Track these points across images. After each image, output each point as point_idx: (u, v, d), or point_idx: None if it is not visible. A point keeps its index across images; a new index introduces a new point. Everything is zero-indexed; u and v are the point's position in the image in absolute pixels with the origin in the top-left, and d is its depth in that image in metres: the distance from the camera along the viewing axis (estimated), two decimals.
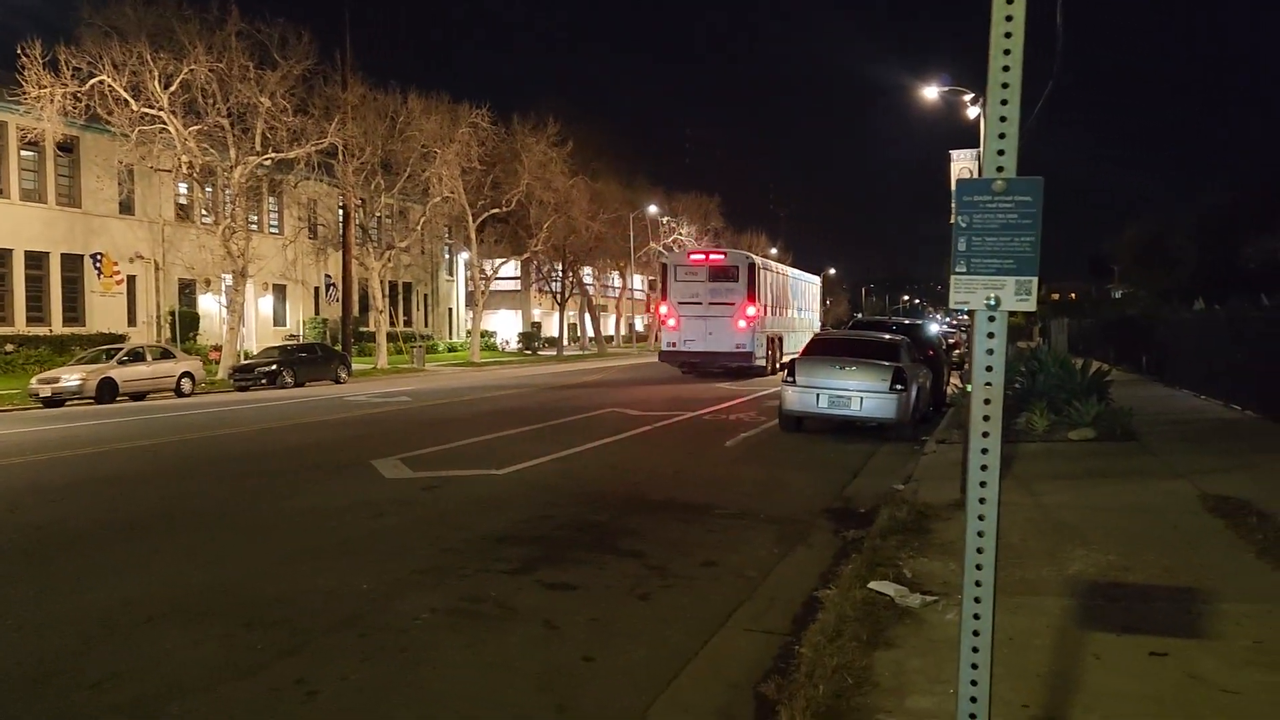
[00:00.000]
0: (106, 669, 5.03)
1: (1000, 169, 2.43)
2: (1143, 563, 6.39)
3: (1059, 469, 10.55)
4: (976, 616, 2.45)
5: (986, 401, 2.45)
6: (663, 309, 31.61)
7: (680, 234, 68.86)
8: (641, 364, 43.79)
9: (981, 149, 2.61)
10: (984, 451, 2.41)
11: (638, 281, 77.82)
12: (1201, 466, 10.16)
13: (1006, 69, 2.34)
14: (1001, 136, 2.38)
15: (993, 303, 2.46)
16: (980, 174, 2.50)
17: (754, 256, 33.38)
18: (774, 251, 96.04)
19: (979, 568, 2.39)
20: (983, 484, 2.39)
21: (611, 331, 73.83)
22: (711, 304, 30.08)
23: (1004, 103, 2.36)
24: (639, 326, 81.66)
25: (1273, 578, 5.93)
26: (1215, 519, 7.63)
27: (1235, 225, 45.64)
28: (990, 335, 2.46)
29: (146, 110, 29.06)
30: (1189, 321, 20.43)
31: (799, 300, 38.95)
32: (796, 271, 42.09)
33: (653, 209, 65.46)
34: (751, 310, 30.07)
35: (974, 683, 2.48)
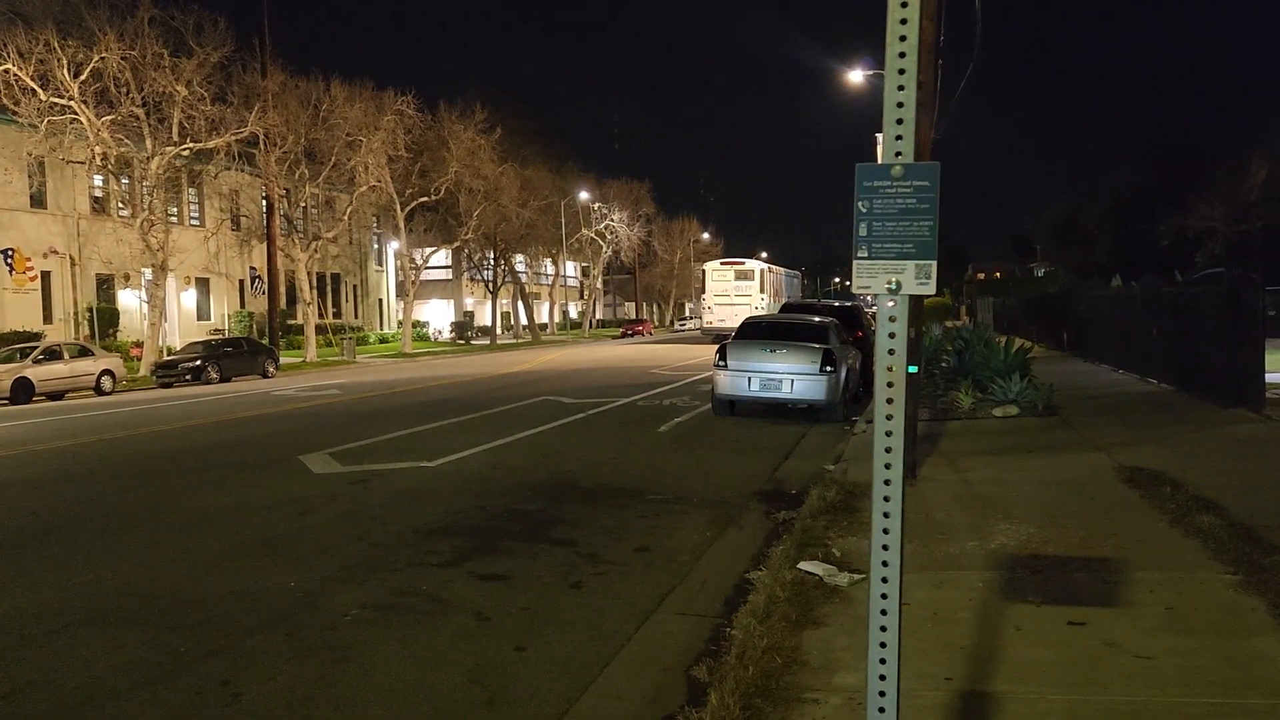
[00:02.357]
0: (21, 678, 4.87)
1: (898, 154, 2.45)
2: (1062, 534, 6.57)
3: (984, 445, 10.80)
4: (884, 597, 2.49)
5: (890, 385, 2.48)
6: (704, 299, 49.07)
7: (611, 220, 68.78)
8: (576, 352, 43.74)
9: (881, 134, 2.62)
10: (888, 434, 2.44)
11: (570, 269, 77.58)
12: (1119, 439, 10.49)
13: (903, 55, 2.35)
14: (899, 122, 2.40)
15: (894, 287, 2.49)
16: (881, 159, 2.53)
17: (762, 264, 51.52)
18: (705, 236, 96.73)
19: (885, 548, 2.42)
20: (887, 465, 2.43)
21: (545, 319, 73.49)
22: (735, 296, 45.98)
23: (900, 88, 2.37)
24: (573, 313, 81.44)
25: (1184, 545, 6.15)
26: (1131, 490, 7.88)
27: (1148, 203, 47.12)
28: (892, 319, 2.49)
29: (56, 100, 27.98)
30: (1106, 299, 21.06)
31: (789, 290, 56.75)
32: (787, 270, 61.29)
33: (584, 195, 65.25)
34: (761, 299, 45.44)
35: (883, 661, 2.52)
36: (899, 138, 2.42)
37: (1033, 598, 5.25)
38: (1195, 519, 6.58)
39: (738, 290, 46.46)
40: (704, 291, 49.49)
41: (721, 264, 50.56)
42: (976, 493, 8.15)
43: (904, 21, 2.35)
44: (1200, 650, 4.41)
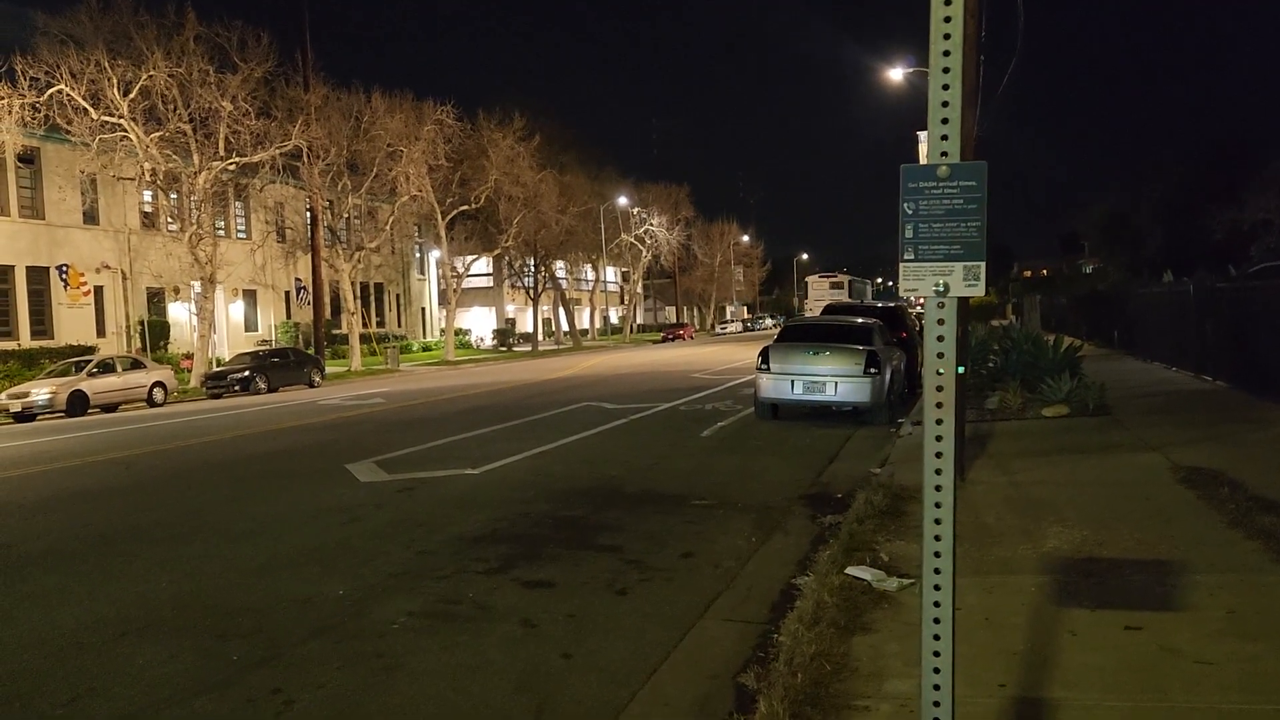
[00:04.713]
0: (80, 687, 4.96)
1: (944, 154, 2.39)
2: (1117, 537, 6.43)
3: (1033, 446, 10.61)
4: (937, 605, 2.44)
5: (939, 389, 2.43)
6: (806, 303, 62.51)
7: (651, 225, 68.81)
8: (617, 357, 43.77)
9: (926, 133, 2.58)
10: (938, 439, 2.39)
11: (610, 274, 77.75)
12: (1173, 439, 10.25)
13: (947, 54, 2.30)
14: (944, 122, 2.35)
15: (941, 289, 2.44)
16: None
17: (847, 276, 69.81)
18: (745, 239, 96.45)
19: (937, 555, 2.37)
20: (938, 471, 2.38)
21: (586, 325, 73.69)
22: (831, 301, 50.88)
23: (945, 87, 2.33)
24: (614, 319, 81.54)
25: (1244, 547, 5.98)
26: (1187, 490, 7.70)
27: (1199, 198, 46.16)
28: (940, 321, 2.43)
29: (106, 118, 28.66)
30: (1158, 295, 20.62)
31: (865, 294, 74.71)
32: (864, 279, 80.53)
33: (622, 200, 65.35)
34: (848, 301, 52.75)
35: (936, 670, 2.47)
36: (944, 137, 2.37)
37: (1087, 602, 5.14)
38: (1256, 520, 6.41)
39: (832, 295, 61.37)
40: (806, 298, 72.81)
41: (819, 277, 72.73)
42: (1027, 495, 8.01)
43: (948, 19, 2.30)
44: (1265, 655, 4.28)
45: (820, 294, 65.34)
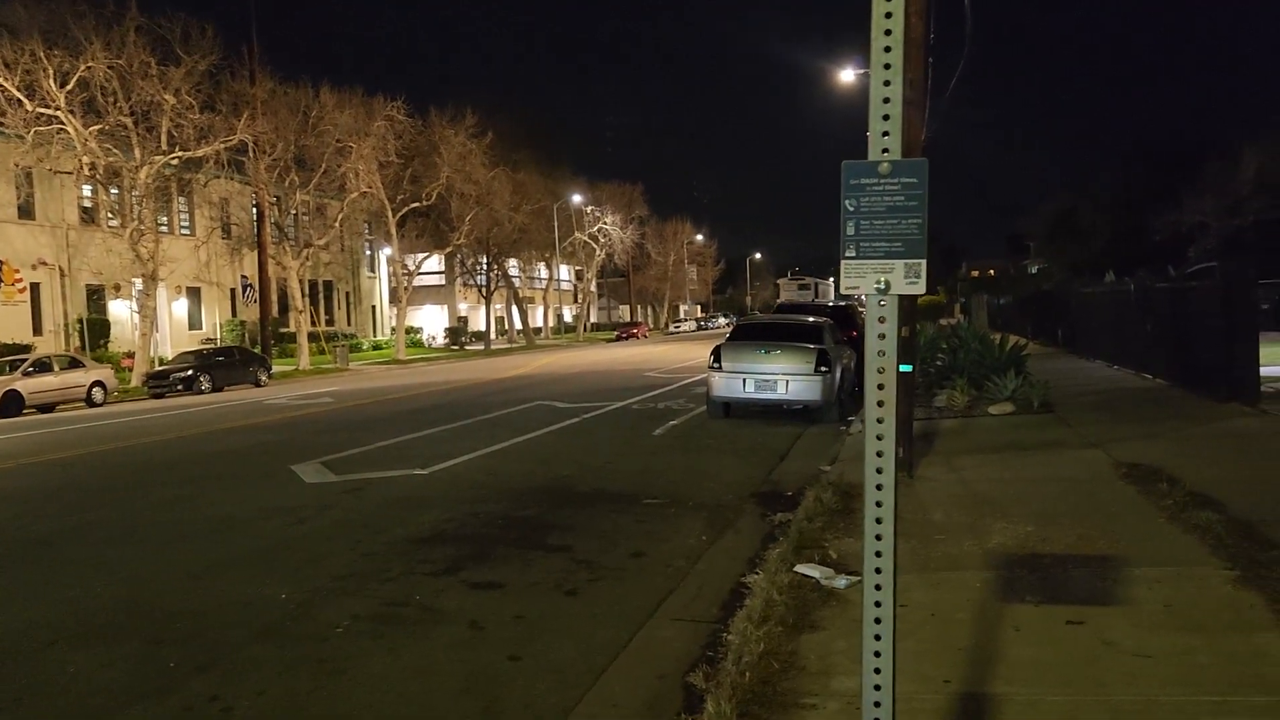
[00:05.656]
0: (9, 695, 4.80)
1: (885, 150, 2.39)
2: (1060, 532, 6.53)
3: (980, 443, 10.75)
4: (878, 605, 2.44)
5: (880, 387, 2.42)
6: (779, 303, 66.77)
7: (605, 223, 68.73)
8: (571, 356, 43.67)
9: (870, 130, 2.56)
10: (879, 438, 2.39)
11: (564, 272, 77.54)
12: (1115, 435, 10.46)
13: (888, 50, 2.30)
14: (885, 119, 2.34)
15: (883, 286, 2.43)
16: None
17: (815, 279, 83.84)
18: (699, 238, 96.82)
19: (878, 555, 2.37)
20: (879, 470, 2.37)
21: (540, 323, 73.40)
22: (798, 300, 54.17)
23: (886, 84, 2.32)
24: (567, 317, 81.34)
25: (1182, 541, 6.11)
26: (1128, 486, 7.85)
27: (1141, 199, 47.19)
28: (881, 319, 2.43)
29: (42, 110, 27.87)
30: (1101, 294, 21.04)
31: (831, 294, 73.12)
32: (826, 281, 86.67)
33: (576, 199, 65.19)
34: (815, 301, 53.15)
35: (877, 670, 2.47)
36: (885, 134, 2.37)
37: (1031, 597, 5.21)
38: (1193, 515, 6.54)
39: (800, 296, 71.41)
40: (779, 298, 76.85)
41: (790, 279, 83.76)
42: (974, 491, 8.11)
43: (888, 15, 2.30)
44: (1200, 648, 4.36)
45: (791, 295, 75.45)
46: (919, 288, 2.45)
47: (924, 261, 2.41)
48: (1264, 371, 11.99)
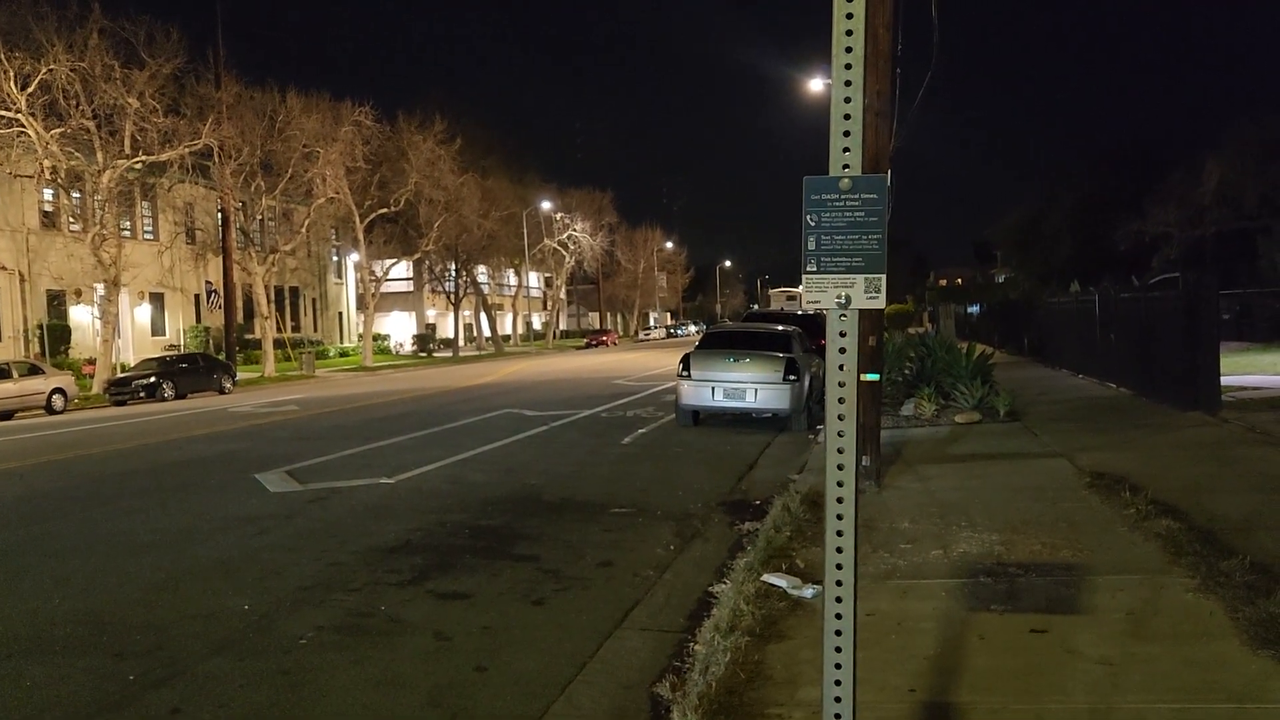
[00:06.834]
0: None
1: (846, 166, 2.40)
2: (1025, 540, 6.58)
3: (946, 452, 10.84)
4: (839, 616, 2.44)
5: (841, 400, 2.43)
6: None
7: (574, 230, 68.65)
8: (540, 363, 43.54)
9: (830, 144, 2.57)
10: (840, 451, 2.40)
11: (533, 279, 77.38)
12: (1079, 444, 10.58)
13: (849, 66, 2.31)
14: (846, 134, 2.35)
15: (844, 301, 2.45)
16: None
17: (800, 289, 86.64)
18: (669, 245, 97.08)
19: (839, 567, 2.37)
20: (840, 484, 2.38)
21: (509, 330, 73.13)
22: (785, 309, 57.07)
23: (847, 100, 2.33)
24: (537, 324, 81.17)
25: (1144, 549, 6.18)
26: (1092, 495, 7.93)
27: (1106, 209, 47.77)
28: (842, 334, 2.44)
29: (2, 113, 27.40)
30: (1066, 304, 21.31)
31: None
32: None
33: (546, 205, 65.08)
34: (799, 312, 56.97)
35: (838, 682, 2.47)
36: (846, 150, 2.38)
37: (996, 606, 5.24)
38: (1155, 523, 6.63)
39: (789, 307, 76.21)
40: (767, 305, 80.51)
41: (779, 290, 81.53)
42: (940, 500, 8.16)
43: (849, 33, 2.31)
44: (1161, 655, 4.41)
45: (779, 304, 77.14)
46: (879, 302, 2.46)
47: (884, 276, 2.42)
48: (1225, 381, 12.20)
